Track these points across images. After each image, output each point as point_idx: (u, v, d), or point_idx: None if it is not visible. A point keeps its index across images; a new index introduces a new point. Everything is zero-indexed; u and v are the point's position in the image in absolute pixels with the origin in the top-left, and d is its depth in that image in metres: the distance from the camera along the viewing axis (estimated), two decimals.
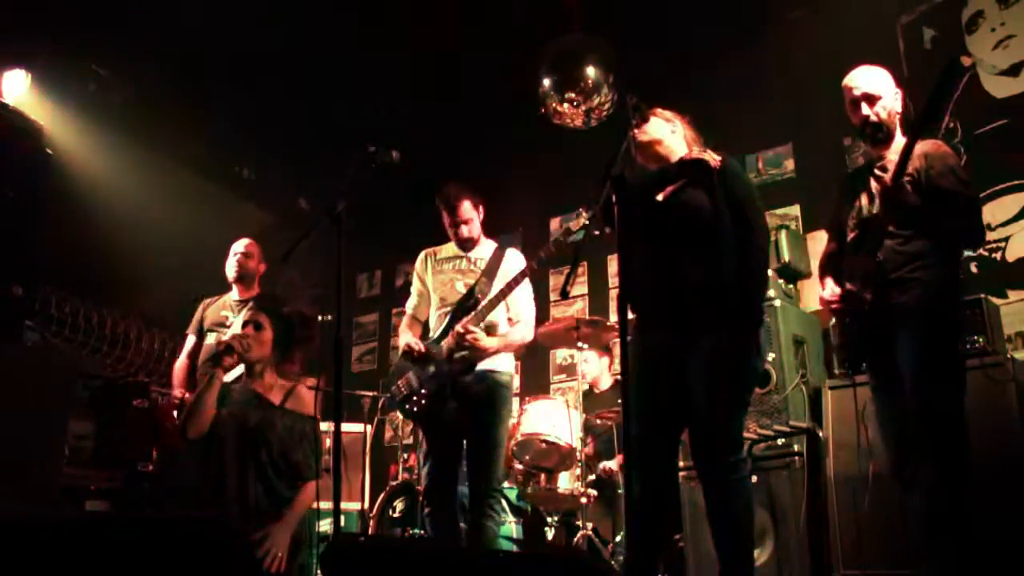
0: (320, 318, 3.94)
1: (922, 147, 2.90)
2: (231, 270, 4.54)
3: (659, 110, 3.04)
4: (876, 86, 3.01)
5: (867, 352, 2.96)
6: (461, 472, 3.73)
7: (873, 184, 2.98)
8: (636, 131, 2.91)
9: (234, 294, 4.55)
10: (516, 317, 3.79)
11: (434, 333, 3.77)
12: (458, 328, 3.58)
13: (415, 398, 3.64)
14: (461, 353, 3.61)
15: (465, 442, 3.65)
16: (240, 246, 4.59)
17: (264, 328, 3.41)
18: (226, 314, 4.46)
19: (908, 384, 2.80)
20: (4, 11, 4.87)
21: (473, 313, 3.64)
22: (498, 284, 3.71)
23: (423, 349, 3.66)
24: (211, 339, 4.39)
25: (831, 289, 3.04)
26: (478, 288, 3.71)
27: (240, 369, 3.41)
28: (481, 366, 3.63)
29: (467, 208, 3.79)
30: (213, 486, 3.22)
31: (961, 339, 2.93)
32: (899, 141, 2.98)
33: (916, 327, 2.79)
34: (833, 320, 3.16)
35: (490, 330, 3.68)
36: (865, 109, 2.99)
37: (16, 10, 4.93)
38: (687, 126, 3.04)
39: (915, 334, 2.79)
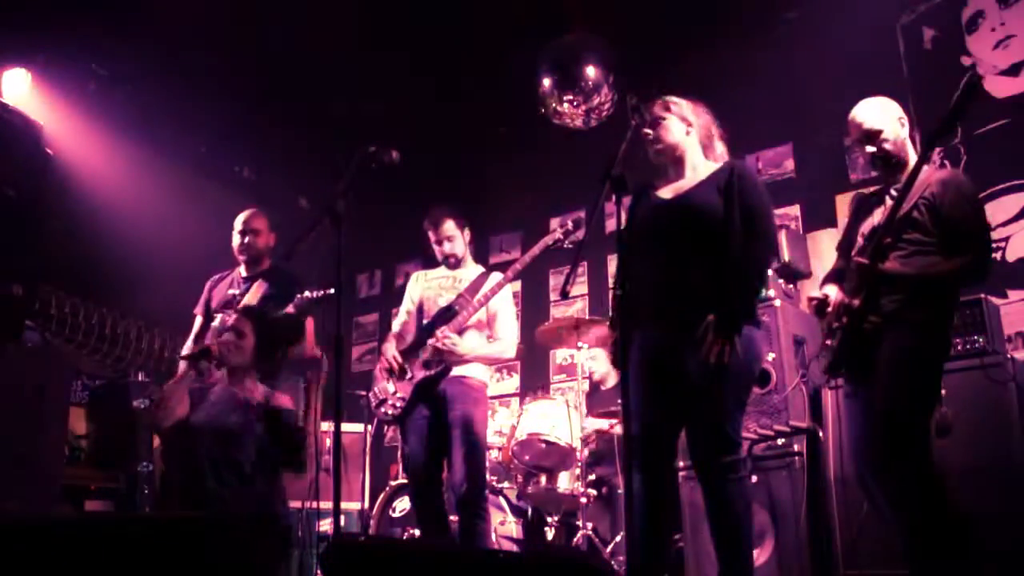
0: (322, 293, 3.86)
1: (940, 174, 2.90)
2: (238, 249, 4.29)
3: (678, 104, 2.96)
4: (875, 121, 2.98)
5: (850, 357, 2.92)
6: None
7: (888, 201, 2.95)
8: (650, 136, 2.90)
9: (242, 271, 4.33)
10: (497, 335, 3.86)
11: (411, 344, 3.85)
12: (436, 334, 3.66)
13: (390, 402, 3.73)
14: (435, 361, 3.70)
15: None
16: (239, 223, 4.31)
17: (245, 336, 3.48)
18: (233, 292, 4.27)
19: (880, 388, 2.77)
20: (4, 11, 4.87)
21: (450, 323, 3.72)
22: (477, 300, 3.79)
23: (399, 361, 3.75)
24: (217, 321, 4.13)
25: (821, 291, 3.02)
26: (458, 302, 3.80)
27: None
28: (453, 373, 3.70)
29: (449, 227, 3.91)
30: (188, 487, 3.25)
31: (944, 353, 2.88)
32: (914, 163, 2.96)
33: (899, 335, 2.77)
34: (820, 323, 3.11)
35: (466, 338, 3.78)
36: (869, 147, 2.99)
37: (16, 10, 4.92)
38: (706, 121, 2.98)
39: (897, 341, 2.77)
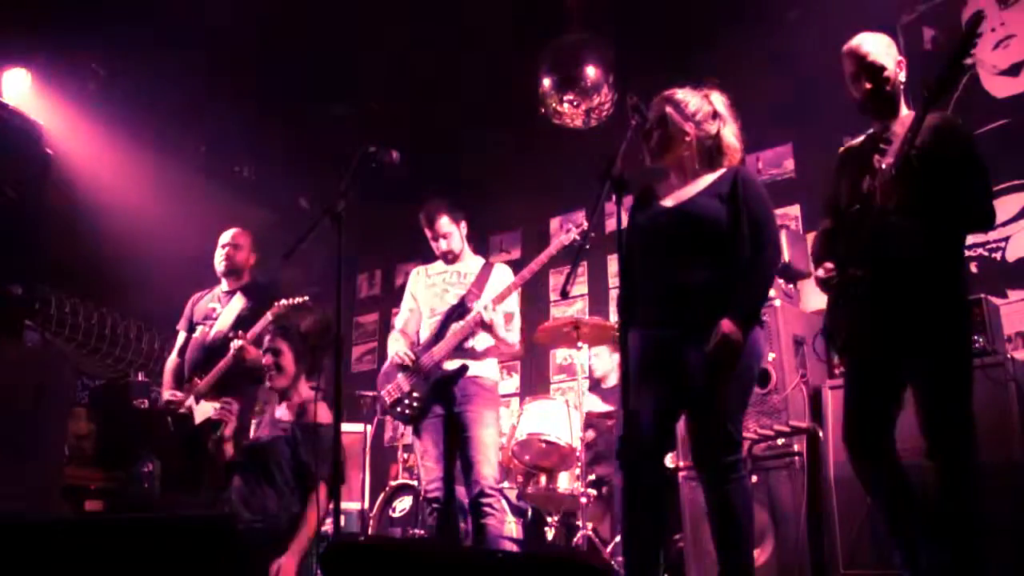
0: (298, 300, 4.02)
1: (932, 119, 2.68)
2: (219, 263, 4.44)
3: (677, 104, 2.98)
4: (881, 56, 2.82)
5: (861, 336, 2.76)
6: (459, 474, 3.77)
7: (877, 159, 2.77)
8: (648, 143, 2.90)
9: (223, 285, 4.46)
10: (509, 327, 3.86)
11: (425, 342, 3.84)
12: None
13: (406, 401, 3.73)
14: (451, 359, 3.71)
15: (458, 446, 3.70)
16: (227, 237, 4.46)
17: (283, 353, 3.50)
18: (213, 306, 4.39)
19: (920, 384, 2.67)
20: (4, 11, 4.87)
21: (468, 317, 3.73)
22: (488, 293, 3.79)
23: (413, 357, 3.75)
24: (198, 333, 4.36)
25: (824, 267, 2.85)
26: (468, 297, 3.80)
27: None
28: (469, 373, 3.71)
29: (444, 223, 3.90)
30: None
31: (971, 333, 2.77)
32: (904, 113, 2.82)
33: (928, 326, 2.63)
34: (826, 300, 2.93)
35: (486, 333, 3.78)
36: (868, 83, 2.81)
37: (16, 10, 4.92)
38: (706, 114, 2.99)
39: (927, 333, 2.63)
